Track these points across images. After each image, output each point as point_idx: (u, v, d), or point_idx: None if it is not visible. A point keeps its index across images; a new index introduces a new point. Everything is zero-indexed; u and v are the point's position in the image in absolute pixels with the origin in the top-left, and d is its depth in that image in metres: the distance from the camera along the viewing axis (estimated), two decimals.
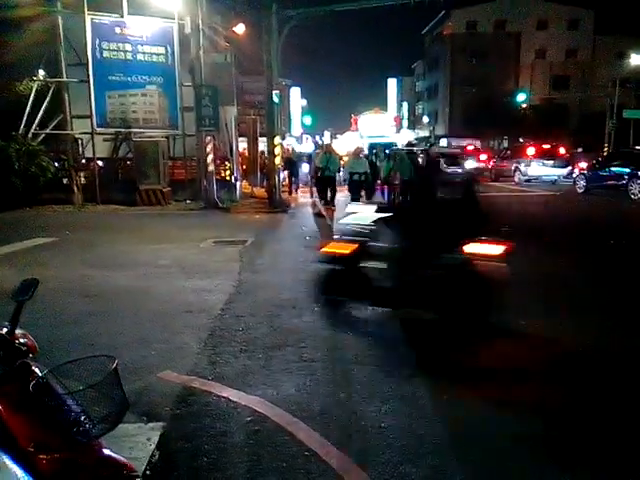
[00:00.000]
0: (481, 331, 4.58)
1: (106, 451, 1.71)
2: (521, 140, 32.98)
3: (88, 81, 15.70)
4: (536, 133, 33.31)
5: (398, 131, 53.63)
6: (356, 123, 29.42)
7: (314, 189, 16.66)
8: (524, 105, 39.96)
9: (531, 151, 23.61)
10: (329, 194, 14.57)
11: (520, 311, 5.14)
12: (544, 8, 49.12)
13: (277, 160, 16.59)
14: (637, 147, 26.67)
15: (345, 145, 37.40)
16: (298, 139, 40.29)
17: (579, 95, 42.79)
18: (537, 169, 23.08)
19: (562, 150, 24.58)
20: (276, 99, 16.83)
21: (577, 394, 3.66)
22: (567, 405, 3.49)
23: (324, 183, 14.87)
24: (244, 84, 22.60)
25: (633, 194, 16.23)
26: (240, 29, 17.96)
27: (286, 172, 20.73)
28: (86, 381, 1.65)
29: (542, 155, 23.33)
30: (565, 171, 23.06)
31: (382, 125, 34.83)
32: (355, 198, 13.45)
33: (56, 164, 16.15)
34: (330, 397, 3.58)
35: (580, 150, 28.01)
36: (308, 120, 42.05)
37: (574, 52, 50.08)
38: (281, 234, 10.85)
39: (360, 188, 14.01)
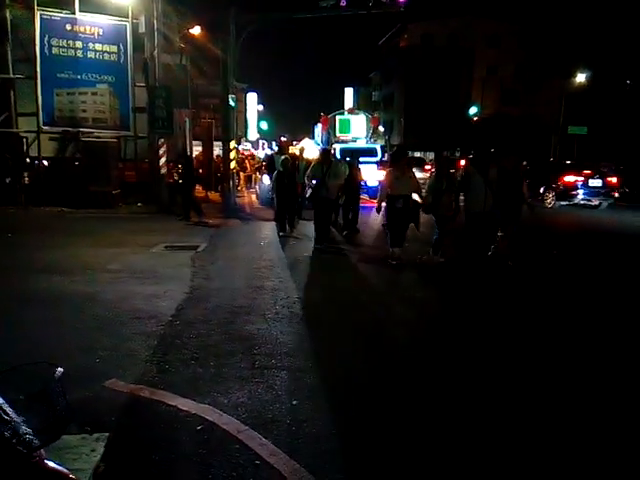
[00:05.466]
0: None
1: (48, 463, 1.59)
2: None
3: (35, 78, 15.12)
4: (485, 145, 34.44)
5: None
6: (325, 124, 27.91)
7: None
8: (475, 118, 41.32)
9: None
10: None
11: None
12: (496, 25, 51.09)
13: (232, 164, 16.47)
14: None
15: (306, 152, 36.90)
16: (254, 144, 40.12)
17: (526, 110, 44.57)
18: None
19: None
20: (232, 103, 16.73)
21: None
22: None
23: (320, 208, 9.70)
24: (199, 86, 22.32)
25: None
26: (196, 31, 17.78)
27: (266, 178, 15.94)
28: (27, 390, 1.54)
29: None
30: None
31: (357, 127, 32.38)
32: (398, 241, 8.28)
33: None
34: (282, 405, 3.55)
35: (525, 164, 29.10)
36: (265, 125, 42.04)
37: (523, 68, 52.11)
38: (235, 240, 10.65)
39: (405, 221, 8.38)
